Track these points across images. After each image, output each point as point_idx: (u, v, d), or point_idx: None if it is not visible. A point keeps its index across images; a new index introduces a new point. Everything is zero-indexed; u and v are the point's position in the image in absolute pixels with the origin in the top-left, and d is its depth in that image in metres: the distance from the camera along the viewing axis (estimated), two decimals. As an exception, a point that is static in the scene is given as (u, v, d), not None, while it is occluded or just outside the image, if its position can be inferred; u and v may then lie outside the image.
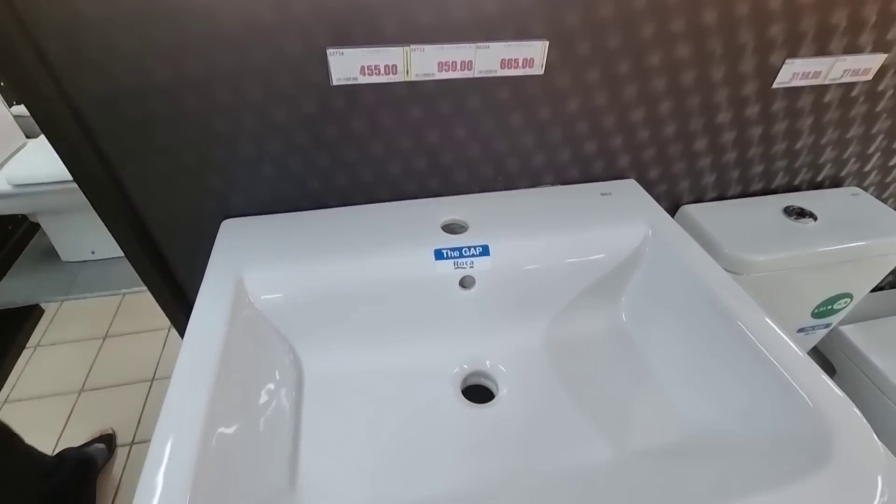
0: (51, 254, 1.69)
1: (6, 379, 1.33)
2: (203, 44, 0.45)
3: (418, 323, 0.56)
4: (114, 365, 1.41)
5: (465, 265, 0.54)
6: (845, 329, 0.98)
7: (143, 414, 1.27)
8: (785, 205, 0.74)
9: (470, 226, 0.58)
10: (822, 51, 0.60)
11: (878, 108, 0.70)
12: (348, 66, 0.48)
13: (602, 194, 0.64)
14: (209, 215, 0.57)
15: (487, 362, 0.56)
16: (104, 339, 1.48)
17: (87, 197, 0.52)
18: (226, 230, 0.57)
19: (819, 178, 0.79)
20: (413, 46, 0.48)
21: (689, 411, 0.49)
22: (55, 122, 0.45)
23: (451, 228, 0.58)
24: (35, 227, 1.80)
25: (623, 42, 0.53)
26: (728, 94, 0.62)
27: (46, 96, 0.44)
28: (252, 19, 0.44)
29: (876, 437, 0.37)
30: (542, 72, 0.53)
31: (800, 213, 0.72)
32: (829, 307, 0.79)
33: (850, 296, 0.78)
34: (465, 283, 0.56)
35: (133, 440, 1.22)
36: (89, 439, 1.17)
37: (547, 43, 0.51)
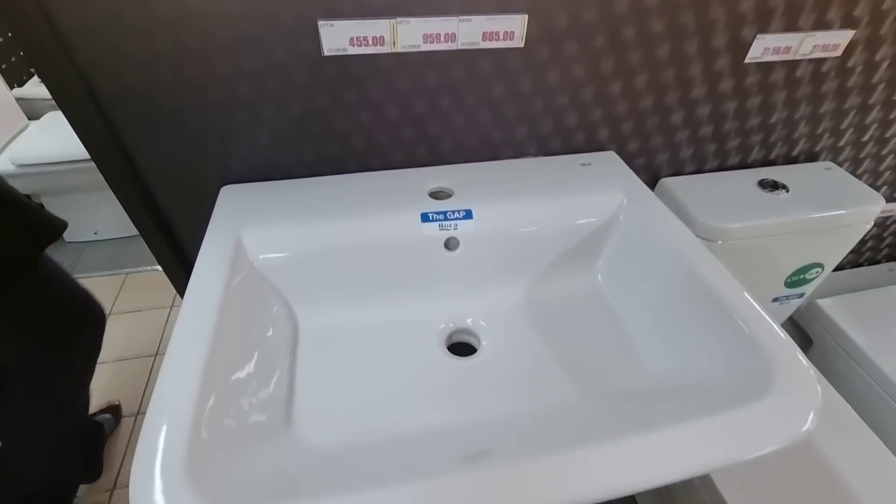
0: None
1: (15, 353, 1.38)
2: (202, 15, 0.48)
3: (406, 282, 0.60)
4: (118, 341, 1.45)
5: (449, 227, 0.58)
6: (821, 302, 1.02)
7: (148, 387, 1.32)
8: (760, 178, 0.77)
9: (455, 192, 0.61)
10: (791, 26, 0.63)
11: (849, 84, 0.73)
12: (338, 37, 0.51)
13: (582, 165, 0.68)
14: (209, 181, 0.61)
15: (469, 320, 0.60)
16: (108, 317, 1.52)
17: (95, 163, 0.55)
18: (225, 195, 0.60)
19: (794, 153, 0.82)
20: (399, 19, 0.52)
21: (654, 360, 0.53)
22: (66, 89, 0.49)
23: (437, 195, 0.61)
24: (39, 209, 1.84)
25: (598, 16, 0.56)
26: (702, 69, 0.65)
27: (58, 65, 0.47)
28: (247, -9, 0.47)
29: (812, 373, 0.41)
30: (522, 45, 0.57)
31: (773, 186, 0.76)
32: (802, 276, 0.82)
33: (821, 266, 0.81)
34: (450, 244, 0.59)
35: (138, 411, 1.26)
36: (97, 410, 1.21)
37: (526, 16, 0.54)
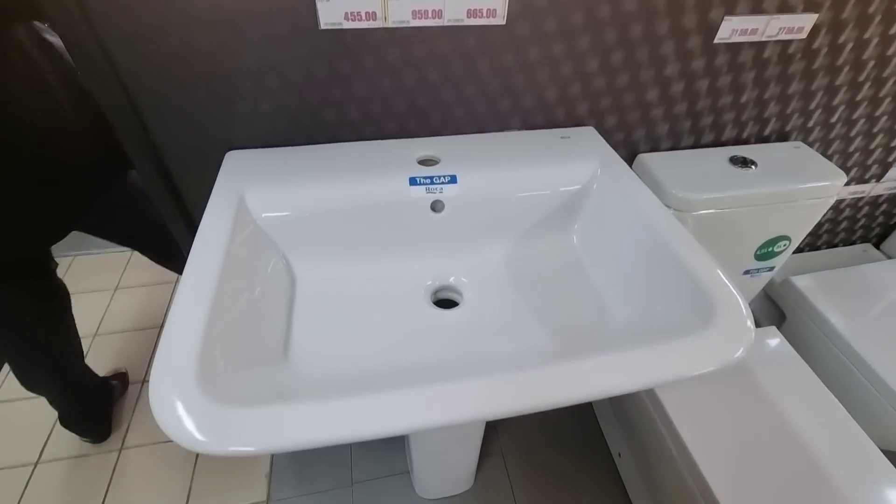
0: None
1: None
2: (210, -12, 0.53)
3: (395, 241, 0.65)
4: (125, 314, 1.51)
5: (435, 191, 0.63)
6: (795, 279, 1.07)
7: (153, 356, 1.38)
8: (731, 155, 0.82)
9: (442, 159, 0.66)
10: (757, 9, 0.68)
11: (815, 66, 0.77)
12: (334, 11, 0.56)
13: (562, 137, 0.73)
14: (215, 146, 0.66)
15: (452, 278, 0.65)
16: (115, 291, 1.58)
17: (115, 128, 0.61)
18: (229, 159, 0.65)
19: (766, 133, 0.87)
20: (390, -5, 0.56)
21: (620, 310, 0.58)
22: (87, 55, 0.54)
23: (425, 162, 0.66)
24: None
25: (575, -5, 0.61)
26: (674, 48, 0.69)
27: (81, 32, 0.52)
28: (252, -33, 0.52)
29: (745, 312, 0.46)
30: (504, 22, 0.61)
31: (743, 162, 0.81)
32: (770, 249, 0.88)
33: (788, 238, 0.86)
34: (436, 207, 0.65)
35: (144, 378, 1.33)
36: (105, 376, 1.27)
37: (507, -5, 0.59)
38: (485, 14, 0.60)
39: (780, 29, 0.70)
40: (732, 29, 0.69)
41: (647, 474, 0.97)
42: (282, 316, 0.56)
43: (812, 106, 0.84)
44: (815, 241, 1.19)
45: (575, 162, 0.68)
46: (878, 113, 0.88)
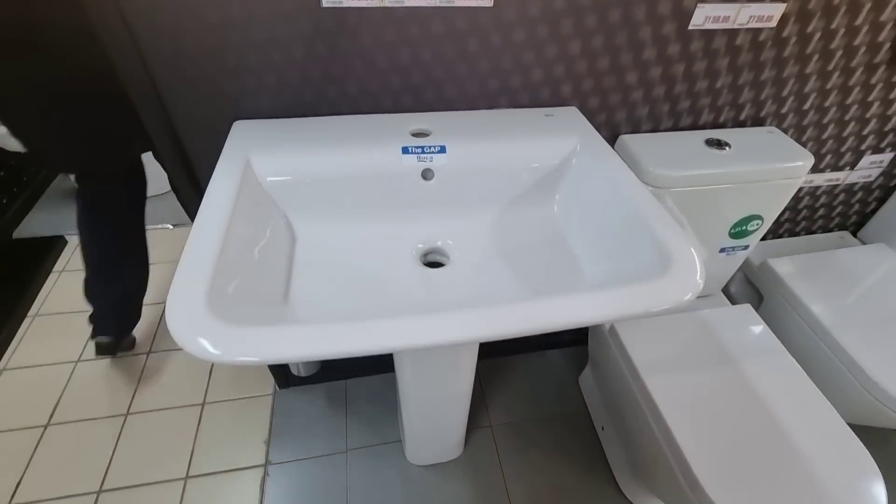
0: (73, 193, 1.84)
1: (36, 297, 1.50)
2: (223, -32, 0.58)
3: (388, 206, 0.70)
4: (131, 291, 1.57)
5: (426, 160, 0.69)
6: (772, 261, 1.12)
7: (159, 329, 1.44)
8: (707, 137, 0.87)
9: (433, 132, 0.72)
10: (728, -3, 0.73)
11: (786, 54, 0.82)
12: (335, -10, 0.62)
13: (546, 115, 0.78)
14: (223, 116, 0.71)
15: (439, 241, 0.70)
16: (122, 269, 1.64)
17: (133, 98, 0.66)
18: (237, 129, 0.71)
19: (742, 118, 0.92)
20: (386, -23, 0.62)
21: (592, 268, 0.63)
22: (111, 28, 0.59)
23: (417, 134, 0.72)
24: (56, 171, 1.95)
25: (557, -19, 0.66)
26: (651, 33, 0.75)
27: (107, 8, 0.58)
28: (261, -51, 0.57)
29: (698, 265, 0.52)
30: (491, 4, 0.67)
31: (718, 143, 0.86)
32: (744, 228, 0.93)
33: (760, 218, 0.92)
34: (427, 175, 0.70)
35: (150, 349, 1.38)
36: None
37: (494, -21, 0.64)
38: (474, -4, 0.65)
39: (751, 17, 0.76)
40: (705, 16, 0.74)
41: (628, 446, 1.02)
42: (282, 267, 0.62)
43: (784, 93, 0.89)
44: (794, 227, 1.24)
45: (557, 137, 0.73)
46: (848, 101, 0.93)
